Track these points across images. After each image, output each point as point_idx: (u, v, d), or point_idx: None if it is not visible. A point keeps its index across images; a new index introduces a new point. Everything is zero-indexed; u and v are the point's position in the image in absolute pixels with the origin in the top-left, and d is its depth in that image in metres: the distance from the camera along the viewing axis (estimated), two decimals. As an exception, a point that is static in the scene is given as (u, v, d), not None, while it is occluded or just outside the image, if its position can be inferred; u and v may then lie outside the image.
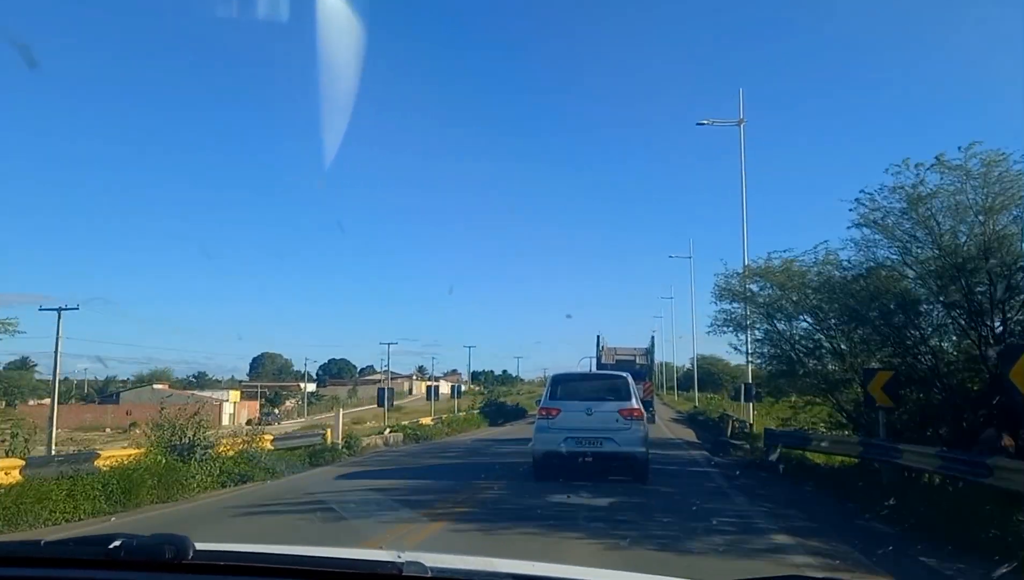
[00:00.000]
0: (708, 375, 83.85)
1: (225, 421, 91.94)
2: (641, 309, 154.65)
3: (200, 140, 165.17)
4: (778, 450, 16.79)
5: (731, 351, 23.33)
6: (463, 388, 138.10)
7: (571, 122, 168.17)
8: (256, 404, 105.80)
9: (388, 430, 24.84)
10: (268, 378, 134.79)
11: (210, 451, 13.89)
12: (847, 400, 17.59)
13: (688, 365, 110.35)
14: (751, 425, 26.30)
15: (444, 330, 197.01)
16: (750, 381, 27.88)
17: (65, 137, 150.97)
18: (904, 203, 13.48)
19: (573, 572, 1.97)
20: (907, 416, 14.59)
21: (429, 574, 1.81)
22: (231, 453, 14.67)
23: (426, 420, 31.73)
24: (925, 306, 14.52)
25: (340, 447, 17.96)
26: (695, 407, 52.70)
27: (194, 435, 13.39)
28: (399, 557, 1.87)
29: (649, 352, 39.59)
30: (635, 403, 12.99)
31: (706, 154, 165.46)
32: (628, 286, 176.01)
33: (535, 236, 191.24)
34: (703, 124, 29.34)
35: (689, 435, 30.87)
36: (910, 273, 14.59)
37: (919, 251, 13.95)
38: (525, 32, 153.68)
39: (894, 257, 14.83)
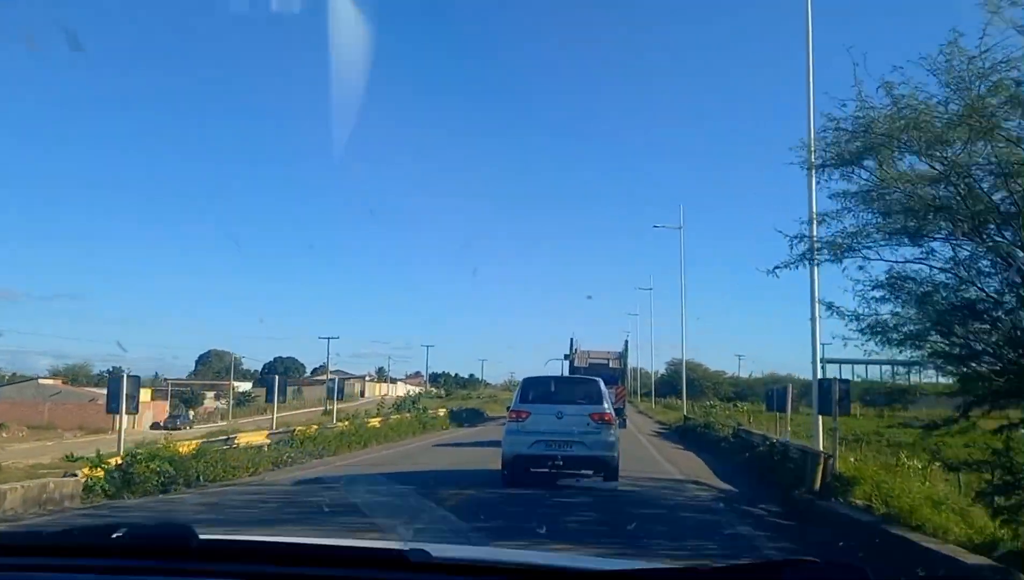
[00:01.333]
0: (686, 380, 72.11)
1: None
2: (614, 309, 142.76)
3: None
4: None
5: (826, 312, 9.00)
6: (420, 390, 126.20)
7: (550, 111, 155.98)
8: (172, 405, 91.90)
9: (87, 471, 11.39)
10: (211, 376, 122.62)
11: None
12: None
13: (664, 370, 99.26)
14: (826, 459, 13.48)
15: (415, 332, 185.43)
16: (823, 376, 15.30)
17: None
18: None
19: (576, 562, 1.96)
20: None
21: (434, 561, 1.80)
22: None
23: (252, 437, 18.61)
24: None
25: None
26: (686, 417, 40.11)
27: None
28: (404, 546, 1.85)
29: (623, 356, 37.59)
30: (606, 407, 12.98)
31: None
32: (602, 285, 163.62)
33: (510, 236, 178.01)
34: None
35: (701, 470, 18.03)
36: None
37: None
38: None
39: None
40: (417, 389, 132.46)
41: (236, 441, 17.41)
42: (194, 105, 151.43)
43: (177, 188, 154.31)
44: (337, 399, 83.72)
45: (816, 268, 14.80)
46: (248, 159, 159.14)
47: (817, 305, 15.37)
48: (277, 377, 19.21)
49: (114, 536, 1.82)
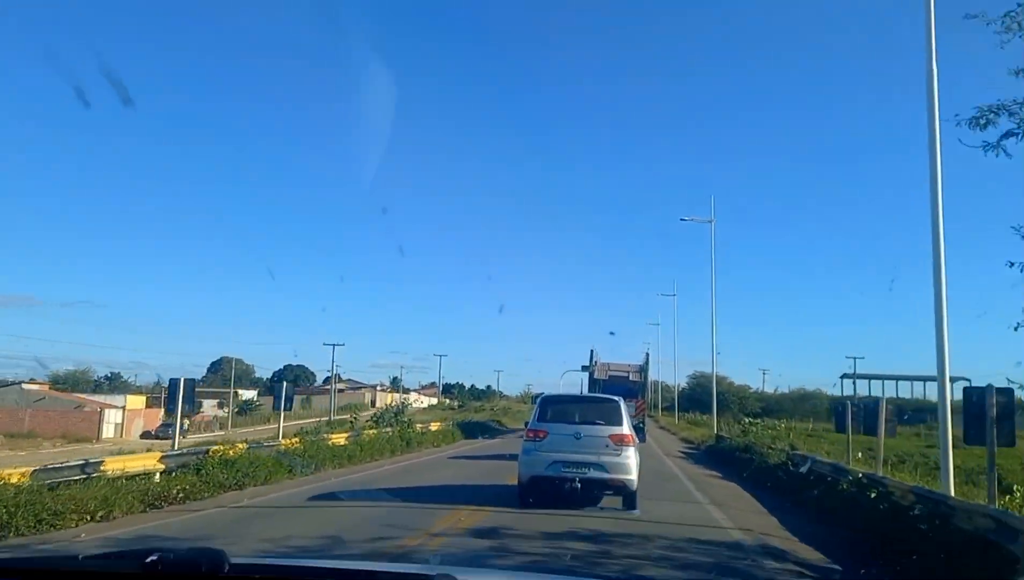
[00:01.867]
0: (709, 395, 66.55)
1: (109, 432, 73.36)
2: (634, 319, 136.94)
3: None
4: None
5: None
6: (434, 401, 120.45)
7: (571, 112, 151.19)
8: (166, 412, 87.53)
9: None
10: (220, 384, 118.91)
11: None
12: None
13: (686, 383, 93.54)
14: None
15: (433, 343, 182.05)
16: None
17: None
18: None
19: None
20: None
21: None
22: None
23: (138, 462, 13.70)
24: None
25: None
26: (718, 435, 34.67)
27: None
28: (431, 570, 1.86)
29: (643, 369, 36.61)
30: (626, 429, 12.63)
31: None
32: (622, 293, 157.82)
33: (528, 245, 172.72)
34: None
35: (763, 520, 12.79)
36: None
37: None
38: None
39: None
40: (431, 400, 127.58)
41: (103, 467, 12.40)
42: (214, 127, 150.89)
43: (200, 205, 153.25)
44: (343, 410, 77.91)
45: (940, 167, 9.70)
46: (275, 180, 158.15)
47: (943, 252, 10.20)
48: (183, 380, 14.21)
49: (148, 561, 1.86)
